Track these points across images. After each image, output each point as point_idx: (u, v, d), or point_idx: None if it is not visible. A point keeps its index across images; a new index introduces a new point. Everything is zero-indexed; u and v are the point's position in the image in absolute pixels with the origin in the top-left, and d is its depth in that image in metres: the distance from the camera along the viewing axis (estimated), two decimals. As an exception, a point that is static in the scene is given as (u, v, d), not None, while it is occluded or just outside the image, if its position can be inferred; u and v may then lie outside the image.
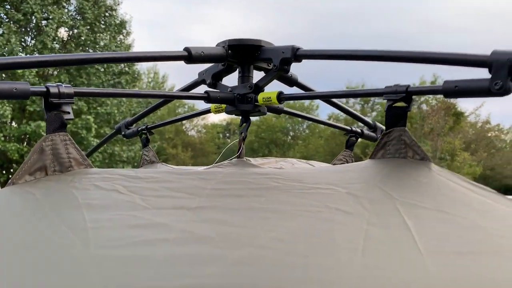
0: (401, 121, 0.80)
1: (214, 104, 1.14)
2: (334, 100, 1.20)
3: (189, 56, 0.90)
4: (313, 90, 1.11)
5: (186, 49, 0.91)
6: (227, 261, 0.45)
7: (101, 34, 13.82)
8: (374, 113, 19.75)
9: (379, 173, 0.75)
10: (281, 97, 0.99)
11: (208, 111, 1.22)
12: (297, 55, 0.91)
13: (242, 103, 1.04)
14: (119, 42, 14.22)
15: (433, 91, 0.73)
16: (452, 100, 18.06)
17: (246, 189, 0.67)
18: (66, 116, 0.77)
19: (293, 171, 0.89)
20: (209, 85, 1.11)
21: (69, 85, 0.78)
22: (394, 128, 0.80)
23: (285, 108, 1.18)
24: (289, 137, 22.16)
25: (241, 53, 1.01)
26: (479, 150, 18.79)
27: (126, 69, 14.07)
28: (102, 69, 13.26)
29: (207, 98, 1.02)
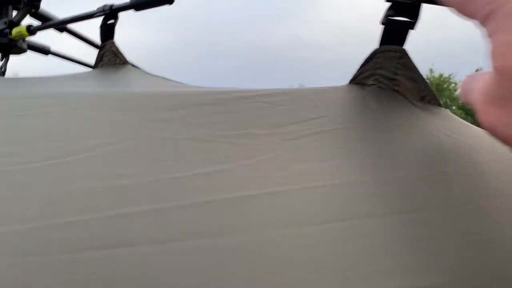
0: (111, 34, 0.98)
1: None
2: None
3: None
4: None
5: None
6: None
7: None
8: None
9: (92, 75, 0.93)
10: (31, 29, 1.11)
11: None
12: None
13: None
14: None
15: (127, 6, 0.91)
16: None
17: None
18: None
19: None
20: None
21: None
22: (107, 41, 0.98)
23: (52, 49, 1.30)
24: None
25: None
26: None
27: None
28: None
29: None
